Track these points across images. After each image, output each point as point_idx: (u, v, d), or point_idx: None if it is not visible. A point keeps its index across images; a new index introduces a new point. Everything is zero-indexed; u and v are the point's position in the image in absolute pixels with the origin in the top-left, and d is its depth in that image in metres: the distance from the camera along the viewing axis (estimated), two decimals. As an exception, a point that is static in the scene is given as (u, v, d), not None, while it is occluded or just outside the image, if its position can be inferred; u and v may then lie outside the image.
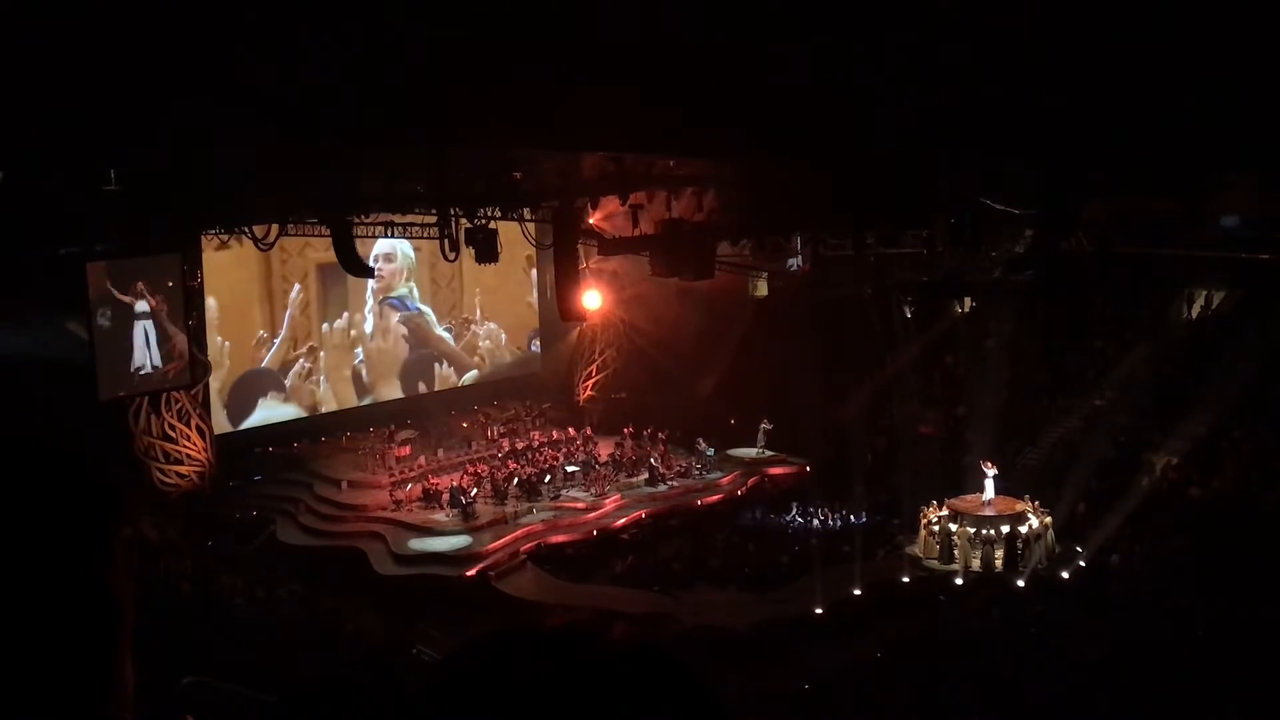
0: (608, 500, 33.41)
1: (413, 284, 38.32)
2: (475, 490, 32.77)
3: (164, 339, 28.78)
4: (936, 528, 30.09)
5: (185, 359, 29.78)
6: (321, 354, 36.50)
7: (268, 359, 35.14)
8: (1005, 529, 29.41)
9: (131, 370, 28.50)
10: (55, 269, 25.97)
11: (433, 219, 27.95)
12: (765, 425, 37.47)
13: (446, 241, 27.25)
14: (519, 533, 31.13)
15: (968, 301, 36.22)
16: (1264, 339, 32.90)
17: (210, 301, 32.74)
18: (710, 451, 36.60)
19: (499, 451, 37.15)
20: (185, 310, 29.77)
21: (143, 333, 28.28)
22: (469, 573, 28.98)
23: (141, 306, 28.18)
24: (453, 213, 26.86)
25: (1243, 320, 34.95)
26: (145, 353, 28.47)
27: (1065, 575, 28.58)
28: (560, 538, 31.47)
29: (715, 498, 34.95)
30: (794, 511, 33.05)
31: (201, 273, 32.61)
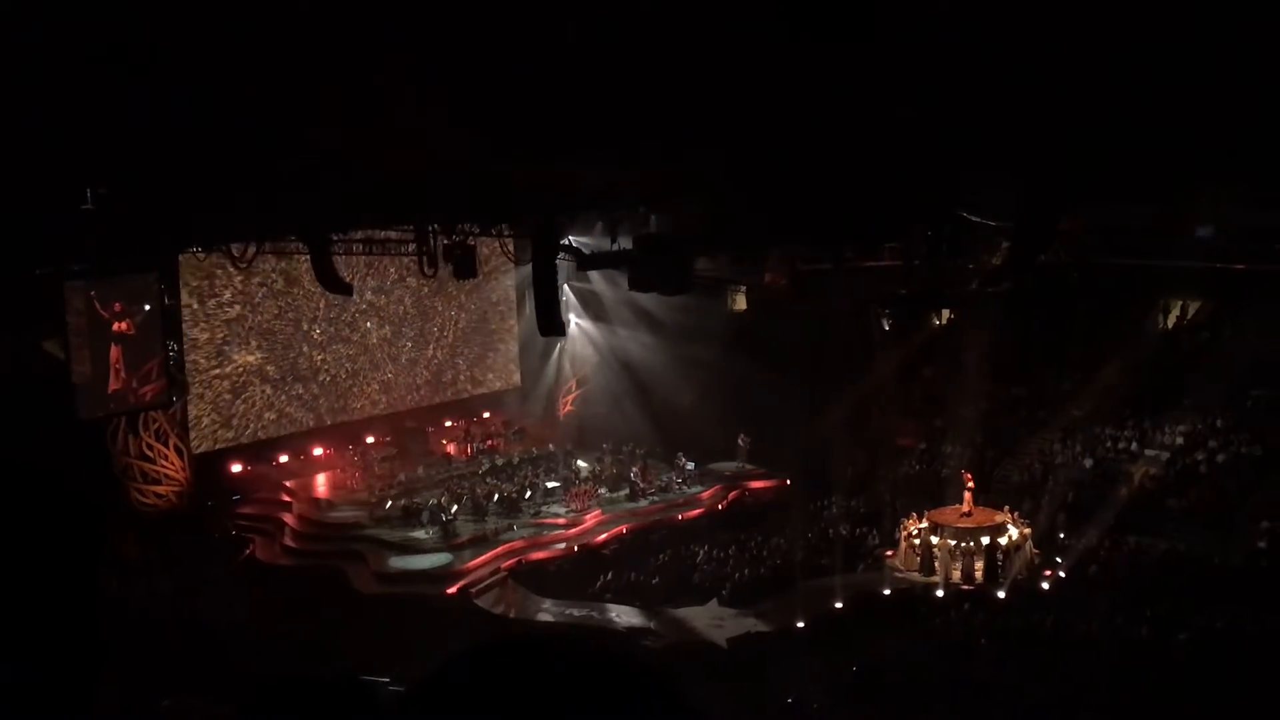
0: (588, 516, 33.39)
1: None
2: (455, 508, 32.67)
3: (142, 359, 28.60)
4: (917, 540, 30.12)
5: (163, 379, 29.61)
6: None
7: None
8: (985, 540, 29.45)
9: (109, 390, 28.31)
10: (33, 289, 25.81)
11: (411, 235, 27.92)
12: (744, 439, 37.52)
13: (425, 258, 27.22)
14: (500, 549, 31.08)
15: (946, 314, 36.32)
16: (1240, 349, 33.10)
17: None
18: (691, 465, 36.57)
19: (479, 468, 37.13)
20: (163, 329, 29.61)
21: (120, 352, 28.09)
22: (450, 590, 28.91)
23: (119, 326, 28.00)
24: (431, 229, 26.83)
25: (1218, 330, 35.19)
26: (123, 373, 28.28)
27: (1045, 586, 28.62)
28: (541, 554, 31.42)
29: (696, 512, 34.96)
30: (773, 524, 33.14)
31: (179, 291, 32.50)
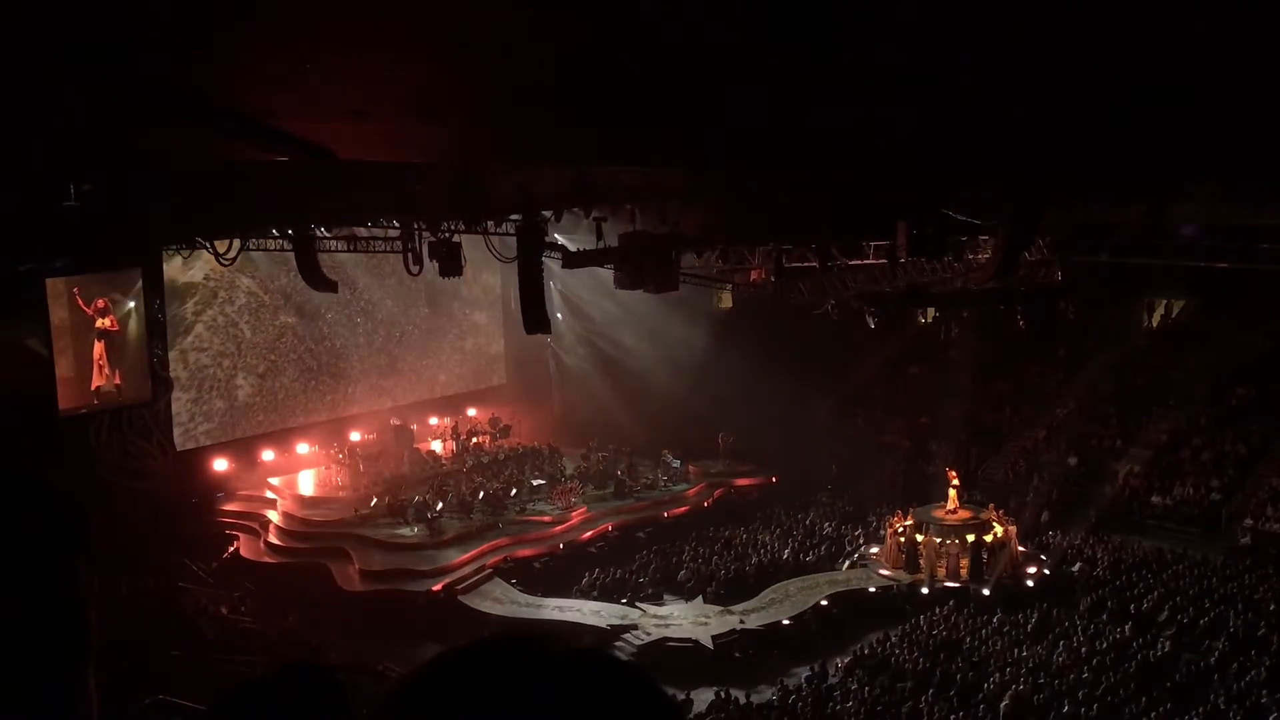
0: (574, 513, 33.34)
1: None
2: (441, 505, 32.62)
3: (126, 355, 28.48)
4: (902, 537, 30.15)
5: (147, 375, 29.50)
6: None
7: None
8: (970, 538, 29.50)
9: (92, 386, 28.21)
10: (14, 285, 25.69)
11: (396, 232, 27.83)
12: (724, 437, 37.54)
13: (410, 255, 27.14)
14: (485, 547, 31.02)
15: (931, 312, 36.37)
16: (1223, 347, 33.24)
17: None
18: (676, 463, 36.58)
19: (464, 466, 37.08)
20: (148, 326, 29.50)
21: (104, 349, 27.97)
22: (435, 588, 28.84)
23: (102, 323, 27.89)
24: (416, 226, 26.74)
25: (1202, 328, 35.34)
26: (106, 369, 28.16)
27: (1030, 583, 28.69)
28: (527, 551, 31.39)
29: (682, 509, 34.95)
30: (759, 522, 33.18)
31: (163, 288, 32.42)
